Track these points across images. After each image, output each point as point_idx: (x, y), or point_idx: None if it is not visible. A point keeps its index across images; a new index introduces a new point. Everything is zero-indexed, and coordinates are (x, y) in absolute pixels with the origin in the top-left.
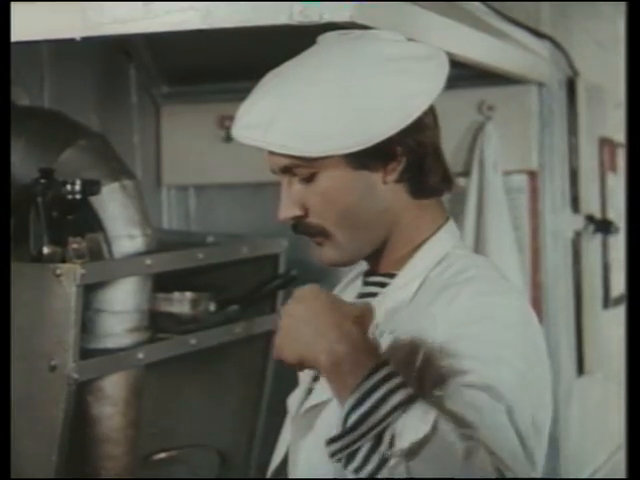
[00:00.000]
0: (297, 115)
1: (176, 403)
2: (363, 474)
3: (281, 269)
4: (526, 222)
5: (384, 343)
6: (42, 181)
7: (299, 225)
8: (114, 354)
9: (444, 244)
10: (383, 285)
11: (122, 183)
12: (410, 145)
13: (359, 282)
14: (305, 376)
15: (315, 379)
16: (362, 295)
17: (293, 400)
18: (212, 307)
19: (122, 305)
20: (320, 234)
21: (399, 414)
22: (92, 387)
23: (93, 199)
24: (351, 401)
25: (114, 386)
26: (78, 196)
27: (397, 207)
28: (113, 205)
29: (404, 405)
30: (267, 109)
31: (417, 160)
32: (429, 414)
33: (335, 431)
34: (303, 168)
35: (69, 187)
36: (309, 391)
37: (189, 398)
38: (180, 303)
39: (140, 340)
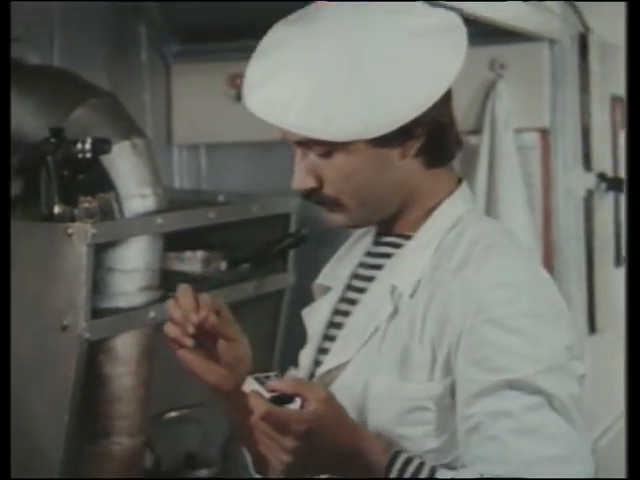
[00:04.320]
0: (319, 96)
1: None
2: None
3: (292, 228)
4: (538, 180)
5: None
6: (52, 140)
7: (312, 195)
8: (125, 313)
9: (457, 207)
10: (397, 246)
11: (133, 142)
12: (429, 124)
13: (368, 240)
14: (315, 333)
15: (325, 338)
16: (373, 254)
17: (305, 357)
18: (223, 266)
19: (133, 264)
20: (334, 204)
21: None
22: (103, 346)
23: (104, 158)
24: None
25: (125, 345)
26: (89, 155)
27: (412, 178)
28: (124, 164)
29: None
30: (287, 86)
31: (435, 136)
32: None
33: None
34: (320, 145)
35: (79, 146)
36: (320, 350)
37: None
38: (191, 262)
39: (151, 299)
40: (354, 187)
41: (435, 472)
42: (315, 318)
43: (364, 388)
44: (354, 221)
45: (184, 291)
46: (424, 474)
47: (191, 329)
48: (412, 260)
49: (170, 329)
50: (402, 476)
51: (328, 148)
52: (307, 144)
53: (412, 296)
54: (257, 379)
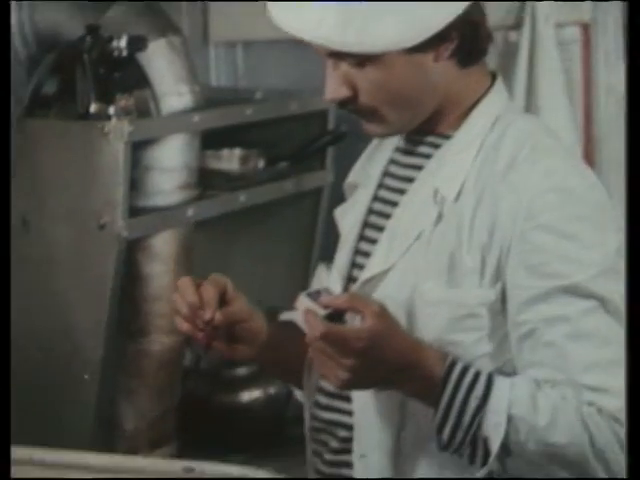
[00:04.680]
0: (351, 10)
1: (225, 261)
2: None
3: (330, 125)
4: (578, 76)
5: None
6: (88, 38)
7: (348, 104)
8: (163, 212)
9: (495, 105)
10: (435, 146)
11: (169, 39)
12: (463, 25)
13: (396, 138)
14: (350, 234)
15: (362, 238)
16: (408, 152)
17: (340, 259)
18: (261, 164)
19: (171, 162)
20: (370, 114)
21: (481, 416)
22: (142, 245)
23: (140, 56)
24: (438, 418)
25: (163, 244)
26: (124, 53)
27: (447, 80)
28: (160, 61)
29: (483, 404)
30: (318, 1)
31: (468, 35)
32: (502, 404)
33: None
34: (352, 57)
35: (115, 44)
36: (357, 251)
37: (238, 256)
38: (229, 160)
39: (189, 197)
40: (389, 96)
41: (492, 380)
42: (348, 218)
43: (411, 295)
44: (392, 130)
45: (186, 286)
46: (481, 383)
47: (201, 325)
48: (454, 162)
49: (181, 325)
50: (459, 385)
51: (361, 59)
52: (339, 55)
53: (456, 200)
54: (309, 295)
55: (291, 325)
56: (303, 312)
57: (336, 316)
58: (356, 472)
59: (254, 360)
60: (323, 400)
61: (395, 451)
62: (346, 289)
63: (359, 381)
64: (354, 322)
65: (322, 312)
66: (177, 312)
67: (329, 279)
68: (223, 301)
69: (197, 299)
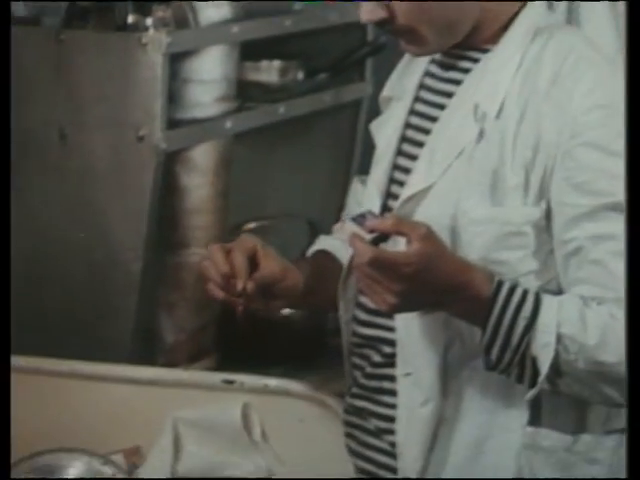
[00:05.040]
0: None
1: (265, 173)
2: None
3: (369, 36)
4: None
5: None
6: None
7: (385, 25)
8: (202, 123)
9: (534, 17)
10: (474, 60)
11: None
12: None
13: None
14: (387, 148)
15: (399, 153)
16: (445, 66)
17: (378, 174)
18: (300, 75)
19: (209, 74)
20: (409, 34)
21: (530, 336)
22: (180, 158)
23: None
24: (486, 339)
25: (202, 156)
26: None
27: None
28: None
29: (531, 324)
30: None
31: None
32: (551, 323)
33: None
34: None
35: None
36: (395, 167)
37: (278, 168)
38: (268, 71)
39: (228, 109)
40: (426, 15)
41: (540, 299)
42: (385, 132)
43: (454, 214)
44: (432, 49)
45: (216, 254)
46: (529, 302)
47: (235, 294)
48: (494, 77)
49: (215, 292)
50: (508, 305)
51: None
52: None
53: (498, 117)
54: (354, 220)
55: (325, 258)
56: (349, 237)
57: (381, 239)
58: (401, 389)
59: (293, 308)
60: (363, 316)
61: (442, 369)
62: (385, 205)
63: (407, 304)
64: (397, 245)
65: (368, 237)
66: (210, 279)
67: (366, 194)
68: (254, 263)
69: (228, 268)
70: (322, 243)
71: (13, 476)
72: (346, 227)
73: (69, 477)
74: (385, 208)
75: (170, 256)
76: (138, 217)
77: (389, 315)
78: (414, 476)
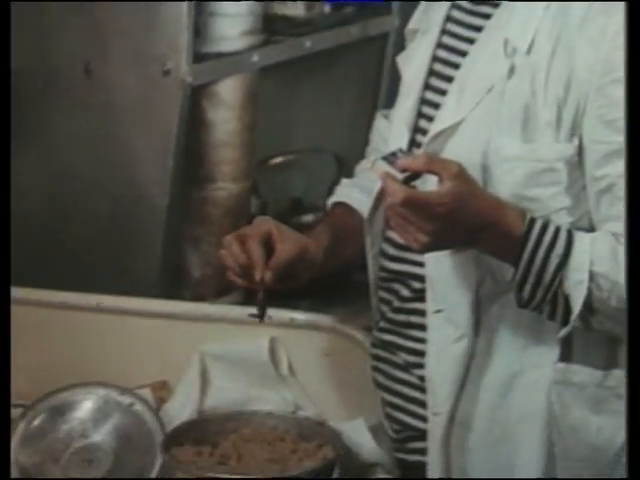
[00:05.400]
0: None
1: (291, 107)
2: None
3: None
4: None
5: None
6: None
7: None
8: (228, 57)
9: None
10: None
11: None
12: None
13: None
14: (414, 82)
15: (427, 87)
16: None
17: (404, 107)
18: (327, 8)
19: (235, 7)
20: None
21: (562, 274)
22: (207, 91)
23: None
24: (518, 277)
25: (229, 90)
26: None
27: None
28: None
29: (564, 262)
30: None
31: None
32: (583, 261)
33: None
34: None
35: None
36: (423, 101)
37: (304, 102)
38: (294, 5)
39: (254, 43)
40: None
41: (572, 237)
42: (412, 65)
43: (485, 151)
44: None
45: (232, 245)
46: (561, 240)
47: (255, 282)
48: (524, 11)
49: (236, 280)
50: (540, 243)
51: None
52: None
53: (529, 52)
54: (385, 159)
55: (343, 214)
56: (381, 177)
57: (413, 177)
58: (431, 326)
59: (316, 276)
60: (391, 251)
61: (474, 306)
62: (412, 140)
63: (440, 243)
64: (426, 182)
65: (400, 176)
66: (229, 268)
67: (393, 128)
68: (270, 247)
69: (245, 259)
70: (340, 194)
71: (30, 418)
72: (377, 166)
73: (84, 411)
74: (413, 143)
75: (196, 191)
76: (164, 152)
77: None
78: (445, 411)
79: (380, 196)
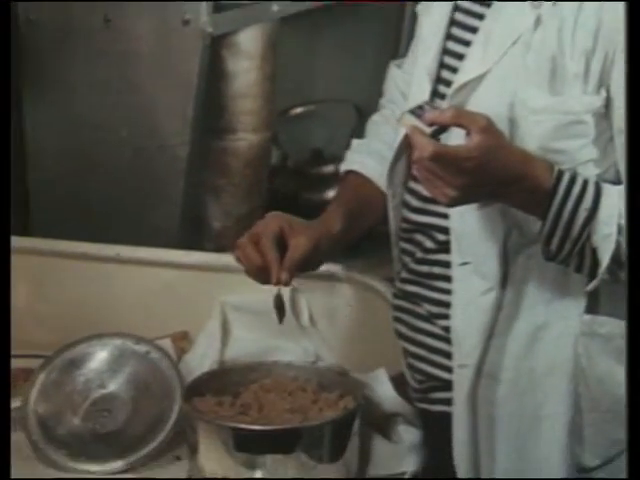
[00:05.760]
0: None
1: (312, 58)
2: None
3: None
4: None
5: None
6: None
7: None
8: (248, 7)
9: None
10: None
11: None
12: None
13: None
14: (435, 33)
15: (448, 37)
16: None
17: (427, 59)
18: None
19: None
20: None
21: (590, 227)
22: (227, 41)
23: None
24: (546, 230)
25: (249, 40)
26: None
27: None
28: None
29: (592, 215)
30: None
31: None
32: (612, 215)
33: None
34: None
35: None
36: (446, 51)
37: (325, 53)
38: None
39: None
40: None
41: (600, 190)
42: (432, 15)
43: (512, 102)
44: None
45: (246, 248)
46: (589, 193)
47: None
48: None
49: (254, 279)
50: (568, 196)
51: None
52: None
53: (555, 3)
54: (413, 113)
55: (357, 186)
56: (410, 131)
57: (440, 130)
58: (457, 278)
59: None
60: (415, 203)
61: (502, 258)
62: (435, 91)
63: (468, 197)
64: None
65: (428, 130)
66: (246, 270)
67: (415, 79)
68: (284, 243)
69: (260, 260)
70: (352, 161)
71: (52, 368)
72: (405, 119)
73: (100, 362)
74: (435, 93)
75: (217, 141)
76: (184, 102)
77: None
78: (472, 364)
79: (402, 148)
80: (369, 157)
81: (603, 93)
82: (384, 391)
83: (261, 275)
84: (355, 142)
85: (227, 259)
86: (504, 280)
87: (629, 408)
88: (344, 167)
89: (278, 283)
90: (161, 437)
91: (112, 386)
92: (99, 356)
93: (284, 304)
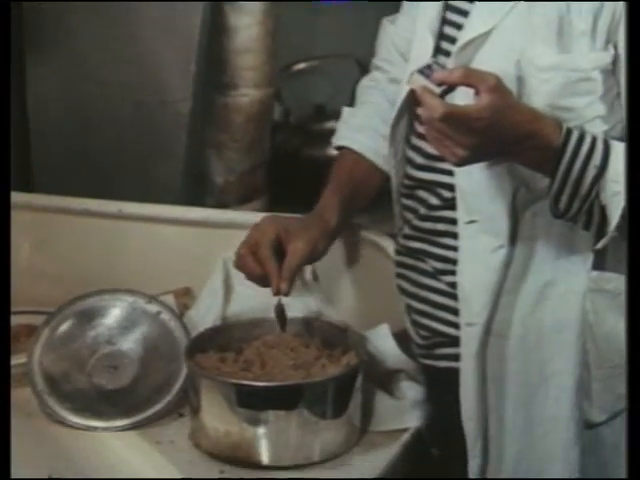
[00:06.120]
0: None
1: (314, 13)
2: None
3: None
4: None
5: None
6: None
7: None
8: None
9: None
10: None
11: None
12: None
13: None
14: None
15: (447, 8)
16: None
17: (429, 15)
18: None
19: None
20: None
21: (599, 185)
22: None
23: None
24: (555, 188)
25: None
26: None
27: None
28: None
29: (601, 173)
30: None
31: None
32: (621, 172)
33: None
34: None
35: None
36: (449, 7)
37: (327, 8)
38: None
39: None
40: None
41: (609, 147)
42: None
43: (519, 60)
44: None
45: (244, 260)
46: (598, 151)
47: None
48: None
49: (258, 284)
50: (577, 154)
51: None
52: None
53: None
54: (422, 72)
55: (351, 167)
56: (419, 91)
57: (449, 90)
58: (464, 236)
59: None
60: (419, 160)
61: (511, 216)
62: (438, 47)
63: (477, 157)
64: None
65: (438, 90)
66: (247, 278)
67: (417, 36)
68: (282, 249)
69: (260, 271)
70: (343, 137)
71: (55, 324)
72: (414, 79)
73: (110, 317)
74: (438, 50)
75: (219, 97)
76: (187, 57)
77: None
78: (481, 322)
79: (405, 105)
80: (361, 133)
81: (611, 50)
82: (387, 347)
83: (263, 282)
84: (346, 112)
85: (230, 215)
86: (513, 237)
87: (629, 409)
88: (336, 142)
89: (278, 294)
90: (167, 399)
91: (120, 343)
92: (109, 311)
93: (285, 313)
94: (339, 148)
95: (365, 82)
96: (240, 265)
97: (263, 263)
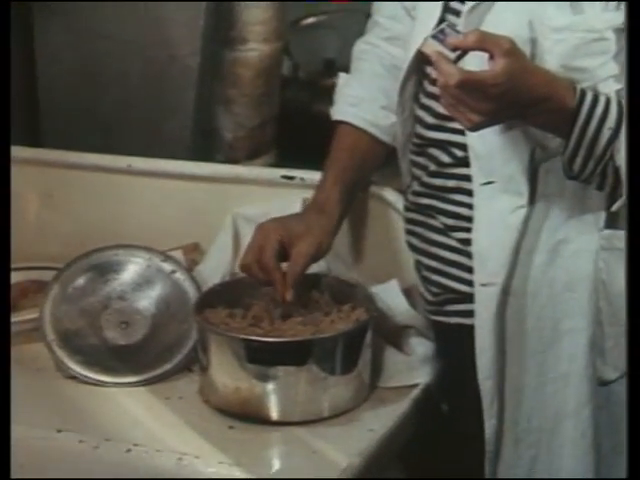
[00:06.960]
0: None
1: None
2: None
3: None
4: None
5: None
6: None
7: None
8: None
9: None
10: None
11: None
12: None
13: None
14: None
15: None
16: None
17: None
18: None
19: None
20: None
21: (613, 146)
22: None
23: None
24: (569, 150)
25: None
26: None
27: None
28: None
29: (615, 135)
30: None
31: None
32: None
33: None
34: None
35: None
36: None
37: None
38: None
39: None
40: None
41: (623, 108)
42: None
43: (532, 21)
44: None
45: (249, 267)
46: (612, 113)
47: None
48: None
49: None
50: (592, 115)
51: None
52: None
53: None
54: (435, 38)
55: (353, 147)
56: (434, 57)
57: (462, 54)
58: (479, 196)
59: None
60: (430, 119)
61: (529, 176)
62: (446, 6)
63: (492, 121)
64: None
65: (452, 55)
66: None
67: None
68: (286, 251)
69: (265, 277)
70: (342, 111)
71: (65, 278)
72: (428, 45)
73: (124, 273)
74: (447, 9)
75: (228, 51)
76: (195, 10)
77: None
78: (498, 282)
79: (413, 65)
80: (359, 106)
81: (623, 8)
82: (397, 303)
83: (269, 284)
84: (342, 80)
85: (239, 170)
86: (532, 197)
87: (629, 409)
88: (335, 116)
89: (284, 302)
90: (178, 359)
91: (133, 299)
92: (124, 267)
93: None
94: (338, 122)
95: (361, 45)
96: (246, 272)
97: (267, 272)
